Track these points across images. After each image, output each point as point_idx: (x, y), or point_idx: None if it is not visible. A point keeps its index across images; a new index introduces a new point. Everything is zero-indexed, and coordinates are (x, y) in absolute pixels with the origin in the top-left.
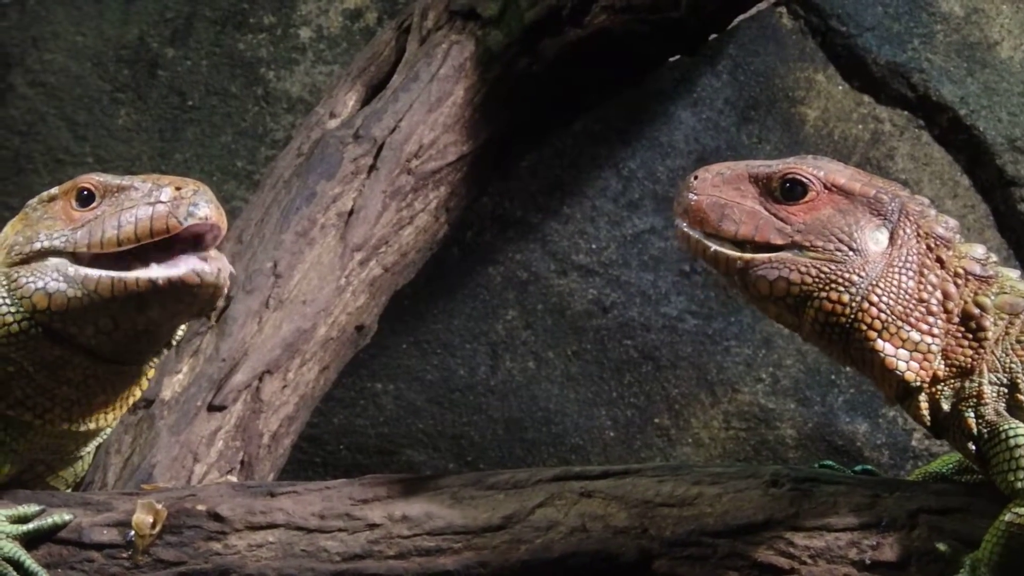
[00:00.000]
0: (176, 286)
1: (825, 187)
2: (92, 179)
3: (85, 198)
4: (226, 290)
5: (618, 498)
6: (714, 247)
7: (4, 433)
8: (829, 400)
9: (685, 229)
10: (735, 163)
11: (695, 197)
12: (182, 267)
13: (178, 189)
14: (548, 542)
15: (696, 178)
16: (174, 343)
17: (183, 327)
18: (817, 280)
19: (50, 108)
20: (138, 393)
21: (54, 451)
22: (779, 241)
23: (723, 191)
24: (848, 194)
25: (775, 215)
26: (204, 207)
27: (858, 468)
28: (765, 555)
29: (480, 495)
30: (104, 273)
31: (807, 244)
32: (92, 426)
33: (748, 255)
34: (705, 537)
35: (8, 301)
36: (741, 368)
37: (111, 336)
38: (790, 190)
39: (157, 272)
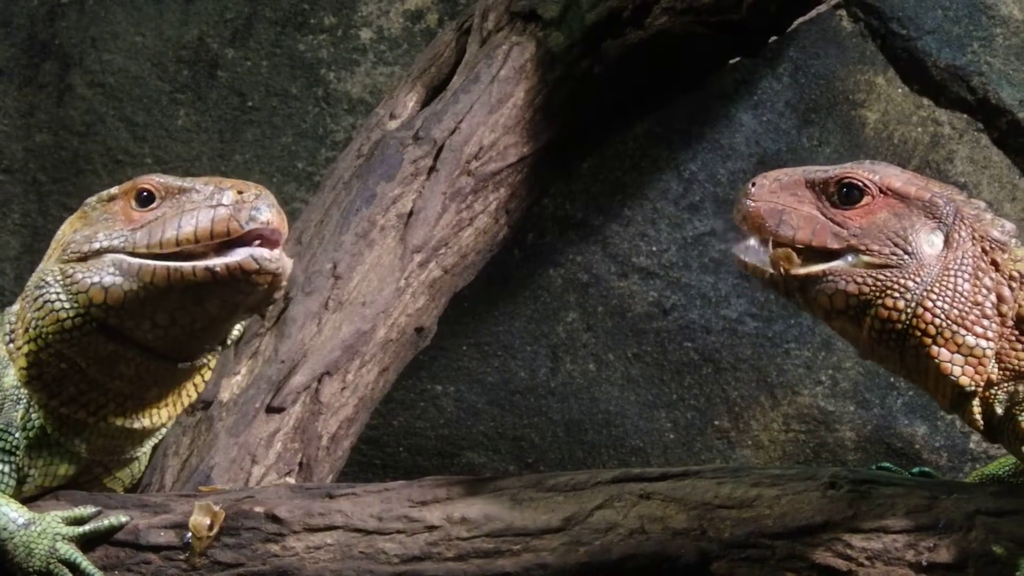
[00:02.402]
0: (234, 273)
1: (881, 191)
2: (153, 180)
3: (145, 199)
4: (284, 282)
5: (677, 500)
6: (771, 271)
7: (59, 433)
8: (888, 403)
9: (743, 257)
10: (792, 169)
11: (753, 204)
12: (240, 254)
13: (240, 193)
14: (607, 544)
15: (754, 185)
16: (229, 342)
17: (239, 326)
18: (874, 288)
19: (109, 108)
20: (194, 393)
21: (110, 452)
22: (836, 246)
23: (780, 197)
24: (904, 198)
25: (832, 220)
26: (266, 211)
27: (916, 470)
28: (823, 557)
29: (539, 497)
30: (160, 263)
31: (863, 248)
32: (146, 423)
33: (804, 271)
34: (764, 539)
35: (63, 297)
36: (801, 371)
37: (167, 331)
38: (847, 195)
39: (215, 260)
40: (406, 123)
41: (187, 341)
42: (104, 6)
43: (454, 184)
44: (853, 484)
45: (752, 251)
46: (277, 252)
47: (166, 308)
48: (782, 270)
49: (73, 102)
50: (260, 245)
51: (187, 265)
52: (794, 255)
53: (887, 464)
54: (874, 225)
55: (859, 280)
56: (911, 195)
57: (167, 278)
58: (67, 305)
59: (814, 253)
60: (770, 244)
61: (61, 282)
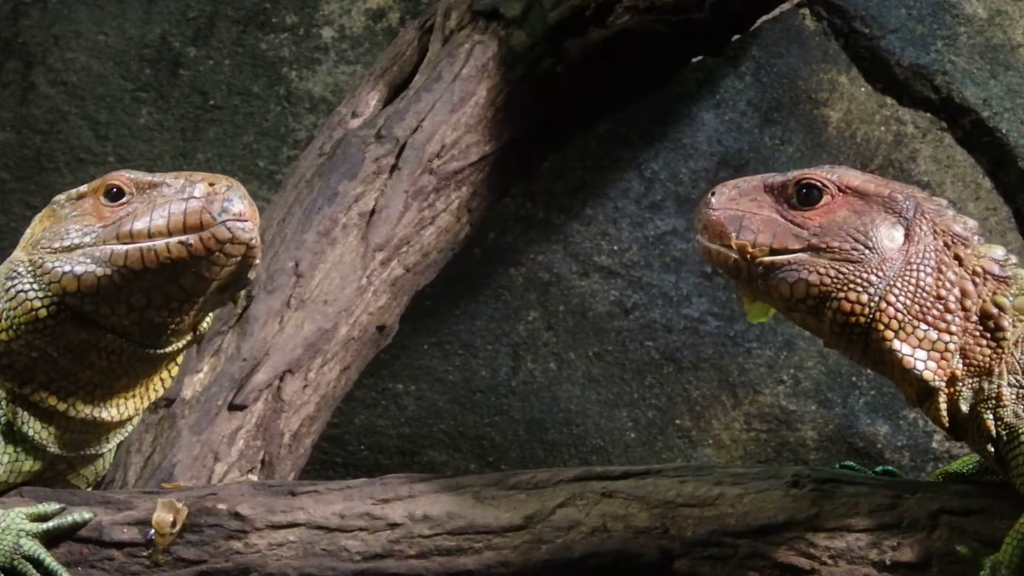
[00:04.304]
0: (208, 244)
1: (840, 190)
2: (123, 176)
3: (115, 195)
4: (258, 259)
5: (639, 498)
6: (735, 256)
7: (28, 426)
8: (850, 402)
9: (705, 242)
10: (751, 177)
11: (714, 213)
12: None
13: (211, 185)
14: (569, 542)
15: (713, 195)
16: (203, 327)
17: (208, 318)
18: (836, 280)
19: (72, 107)
20: (160, 388)
21: (77, 446)
22: (796, 246)
23: (740, 203)
24: (863, 195)
25: (791, 221)
26: (238, 203)
27: (879, 469)
28: (786, 555)
29: (501, 495)
30: (132, 246)
31: (823, 246)
32: (114, 413)
33: (768, 258)
34: (726, 537)
35: (36, 287)
36: (762, 370)
37: (143, 314)
38: (806, 195)
39: (188, 235)
40: (368, 121)
41: (161, 324)
42: (67, 5)
43: (416, 182)
44: (816, 483)
45: None
46: (250, 224)
47: (141, 288)
48: (748, 256)
49: (36, 100)
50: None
51: (160, 243)
52: (762, 244)
53: (850, 463)
54: (834, 223)
55: (821, 271)
56: (870, 192)
57: (141, 259)
58: (40, 295)
59: (777, 255)
60: (735, 237)
61: (33, 272)
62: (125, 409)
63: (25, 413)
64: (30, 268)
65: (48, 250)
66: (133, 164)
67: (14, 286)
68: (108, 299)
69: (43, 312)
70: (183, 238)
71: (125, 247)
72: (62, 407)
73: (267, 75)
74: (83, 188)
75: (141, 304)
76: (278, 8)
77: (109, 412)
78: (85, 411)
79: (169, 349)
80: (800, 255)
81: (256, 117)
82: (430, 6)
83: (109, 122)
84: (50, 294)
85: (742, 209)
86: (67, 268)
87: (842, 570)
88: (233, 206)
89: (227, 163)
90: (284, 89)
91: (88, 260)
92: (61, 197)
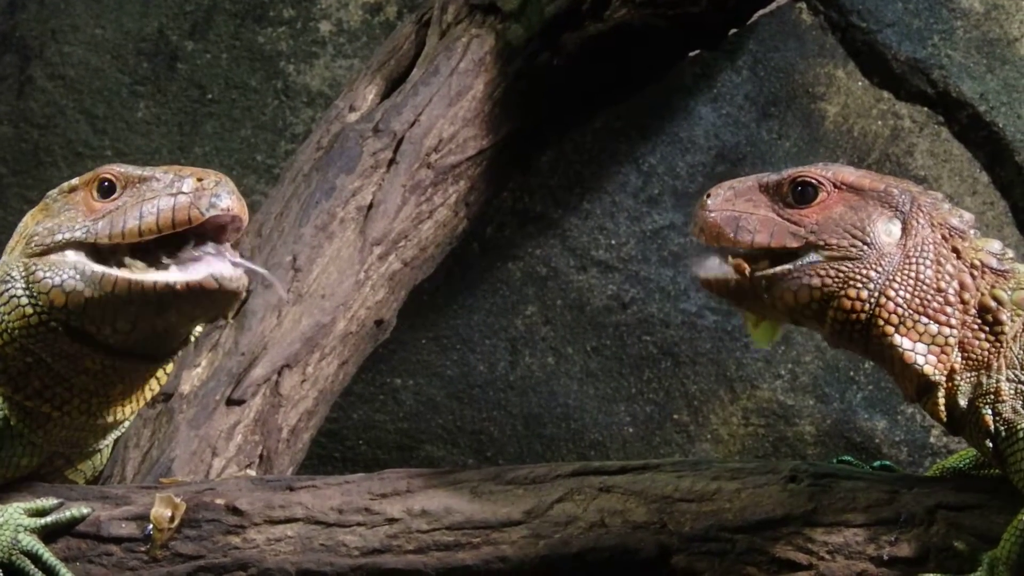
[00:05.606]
0: (195, 291)
1: (835, 186)
2: (113, 170)
3: (106, 189)
4: (244, 293)
5: (637, 493)
6: (735, 279)
7: (23, 425)
8: (848, 397)
9: (704, 274)
10: (745, 177)
11: (710, 215)
12: (202, 271)
13: (200, 180)
14: (567, 537)
15: (709, 196)
16: (193, 339)
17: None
18: (837, 280)
19: (69, 101)
20: (156, 387)
21: (72, 444)
22: (794, 244)
23: (736, 204)
24: (858, 190)
25: (788, 219)
26: (226, 198)
27: (876, 464)
28: (783, 551)
29: (499, 490)
30: (121, 275)
31: (821, 243)
32: (110, 418)
33: (769, 271)
34: (724, 532)
35: (29, 293)
36: (760, 365)
37: (129, 336)
38: (801, 193)
39: (176, 276)
40: (366, 115)
41: (149, 344)
42: None
43: (414, 177)
44: (814, 478)
45: (711, 268)
46: (239, 272)
47: (127, 316)
48: (746, 272)
49: (33, 94)
50: (220, 232)
51: (148, 279)
52: (760, 243)
53: (848, 458)
54: (831, 220)
55: (822, 273)
56: (865, 187)
57: (128, 289)
58: (32, 301)
59: (774, 258)
60: (729, 259)
61: (25, 278)
62: (122, 413)
63: (22, 412)
64: (24, 273)
65: (41, 247)
66: (130, 158)
67: (7, 290)
68: (95, 318)
69: (35, 319)
70: (170, 280)
71: (115, 275)
72: (57, 415)
73: (264, 69)
74: (75, 181)
75: (126, 329)
76: (275, 2)
77: (105, 418)
78: (81, 418)
79: (161, 360)
80: (800, 261)
81: (253, 111)
82: (427, 0)
83: (107, 116)
84: (39, 304)
85: (738, 209)
86: (56, 281)
87: (839, 565)
88: (221, 201)
89: (224, 157)
90: (281, 83)
91: (78, 277)
92: (54, 192)
